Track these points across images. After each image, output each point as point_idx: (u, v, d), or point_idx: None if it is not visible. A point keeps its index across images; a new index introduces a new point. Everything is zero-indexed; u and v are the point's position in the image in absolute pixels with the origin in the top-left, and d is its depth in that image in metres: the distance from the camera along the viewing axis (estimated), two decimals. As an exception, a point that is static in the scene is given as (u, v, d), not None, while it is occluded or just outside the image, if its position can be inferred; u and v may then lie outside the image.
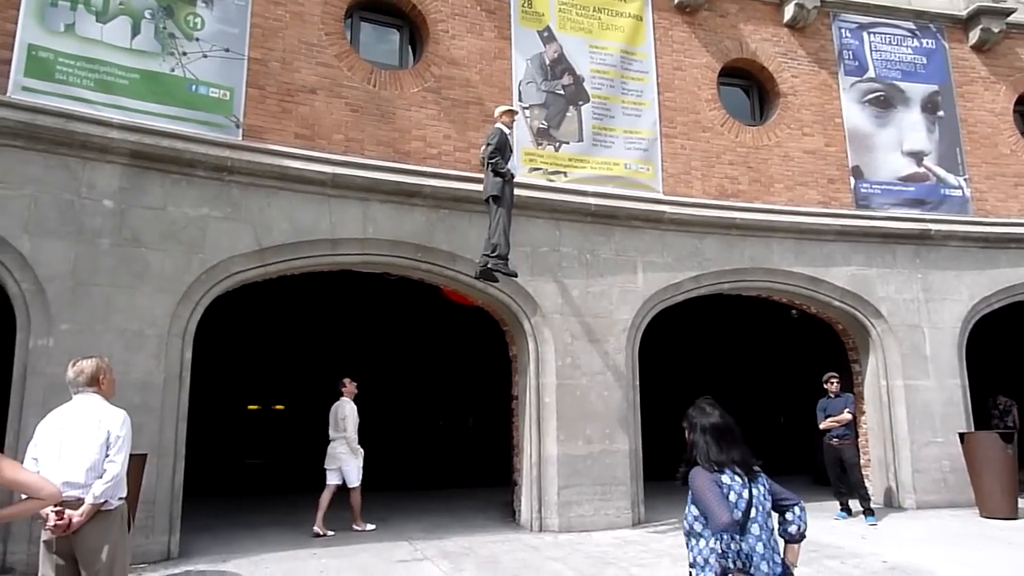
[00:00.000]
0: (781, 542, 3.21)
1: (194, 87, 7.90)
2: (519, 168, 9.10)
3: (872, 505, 9.37)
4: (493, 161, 8.08)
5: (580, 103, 9.74)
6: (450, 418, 14.72)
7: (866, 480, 9.79)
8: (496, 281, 8.46)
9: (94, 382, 4.31)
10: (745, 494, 3.09)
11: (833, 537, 8.25)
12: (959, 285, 10.78)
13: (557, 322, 9.12)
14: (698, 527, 3.11)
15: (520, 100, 9.45)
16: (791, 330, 13.08)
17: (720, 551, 3.00)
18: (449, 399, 14.69)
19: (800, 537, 3.20)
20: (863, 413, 10.69)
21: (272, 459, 15.62)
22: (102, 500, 4.00)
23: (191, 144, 7.72)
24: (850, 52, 11.11)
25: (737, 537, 2.99)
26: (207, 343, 8.77)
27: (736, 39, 10.76)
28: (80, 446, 4.07)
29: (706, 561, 3.03)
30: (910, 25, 11.42)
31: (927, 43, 11.43)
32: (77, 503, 3.94)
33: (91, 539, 3.99)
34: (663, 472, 11.82)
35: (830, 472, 9.60)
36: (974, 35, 11.65)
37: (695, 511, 3.12)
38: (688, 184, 10.08)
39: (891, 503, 10.23)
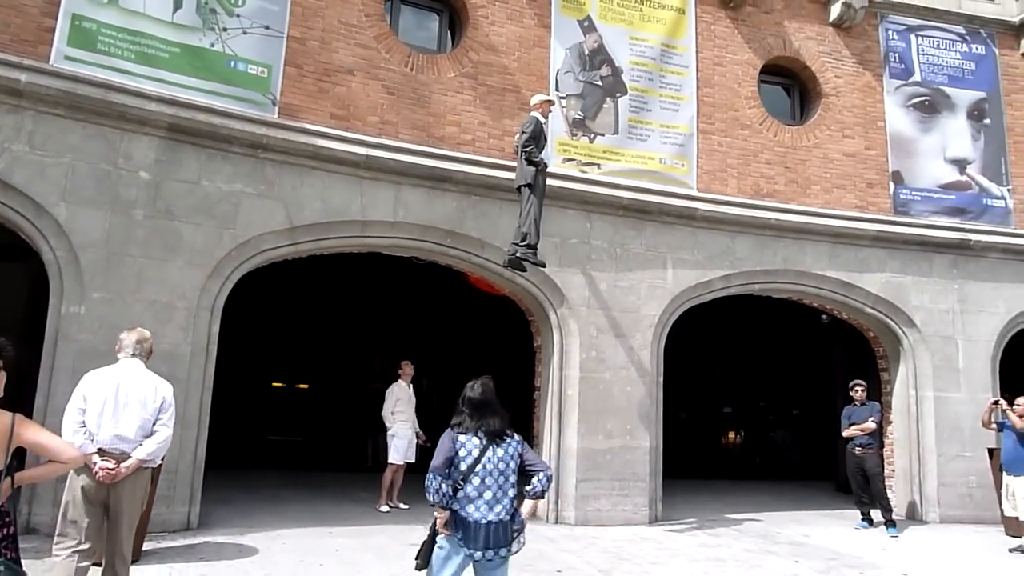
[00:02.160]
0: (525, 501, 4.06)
1: (233, 63, 7.93)
2: (552, 158, 9.05)
3: (895, 517, 9.22)
4: (527, 150, 8.01)
5: (617, 95, 9.63)
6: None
7: (889, 491, 9.64)
8: (524, 271, 8.41)
9: (148, 352, 4.64)
10: (475, 453, 3.93)
11: (853, 547, 8.13)
12: (997, 298, 10.53)
13: (583, 315, 9.06)
14: None
15: (557, 89, 9.38)
16: (821, 335, 12.89)
17: (434, 488, 3.86)
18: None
19: (535, 496, 4.04)
20: (890, 423, 10.51)
21: (295, 436, 15.78)
22: (151, 458, 4.44)
23: (227, 120, 7.75)
24: (896, 55, 10.86)
25: (442, 479, 3.87)
26: (235, 318, 8.82)
27: (780, 36, 10.57)
28: (136, 406, 4.46)
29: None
30: (960, 30, 11.13)
31: (976, 48, 11.14)
32: (123, 456, 4.31)
33: (128, 490, 4.35)
34: (683, 470, 11.79)
35: (852, 481, 9.45)
36: (1026, 42, 11.35)
37: None
38: (723, 182, 9.94)
39: (914, 516, 10.06)
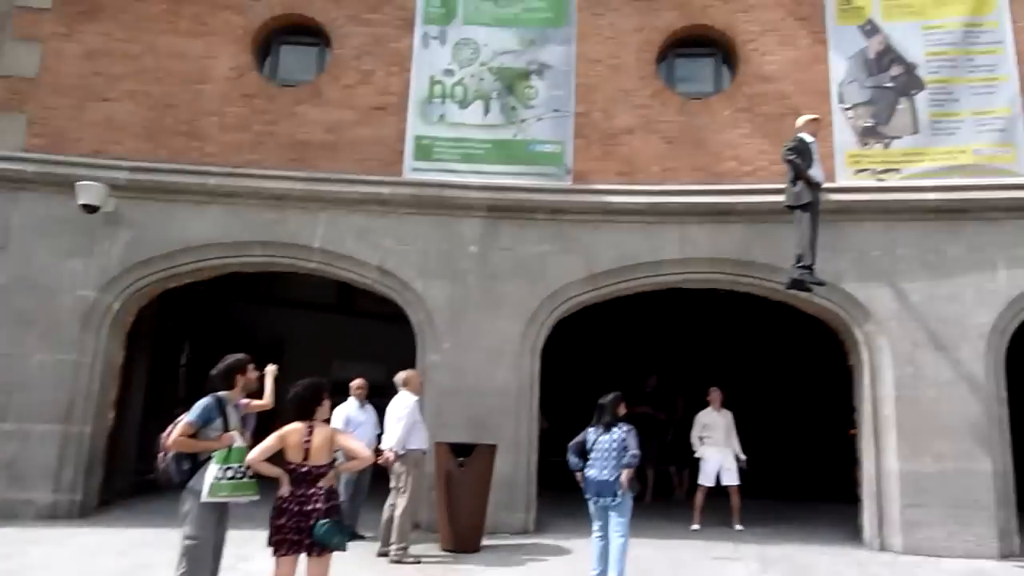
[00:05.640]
0: None
1: (532, 146, 9.58)
2: (841, 172, 8.95)
3: None
4: (791, 160, 8.11)
5: (913, 92, 9.04)
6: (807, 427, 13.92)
7: None
8: (807, 291, 8.39)
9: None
10: (594, 437, 6.55)
11: None
12: None
13: (894, 329, 8.60)
14: None
15: (841, 102, 9.20)
16: None
17: (568, 459, 6.70)
18: (797, 409, 13.94)
19: (623, 467, 6.29)
20: None
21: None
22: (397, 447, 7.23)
23: (532, 194, 9.39)
24: None
25: (572, 453, 6.67)
26: (557, 358, 10.27)
27: None
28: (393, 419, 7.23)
29: None
30: None
31: None
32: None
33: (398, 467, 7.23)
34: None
35: None
36: None
37: None
38: (1067, 161, 8.56)
39: None
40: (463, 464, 7.94)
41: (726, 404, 9.86)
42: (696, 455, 9.73)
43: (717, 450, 9.58)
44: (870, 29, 9.29)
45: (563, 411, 10.47)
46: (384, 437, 7.69)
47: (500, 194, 9.41)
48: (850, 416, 9.44)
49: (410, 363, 9.12)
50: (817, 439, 13.06)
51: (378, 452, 7.56)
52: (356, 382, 8.56)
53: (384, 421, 7.76)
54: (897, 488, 8.31)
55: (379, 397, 8.43)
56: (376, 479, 8.14)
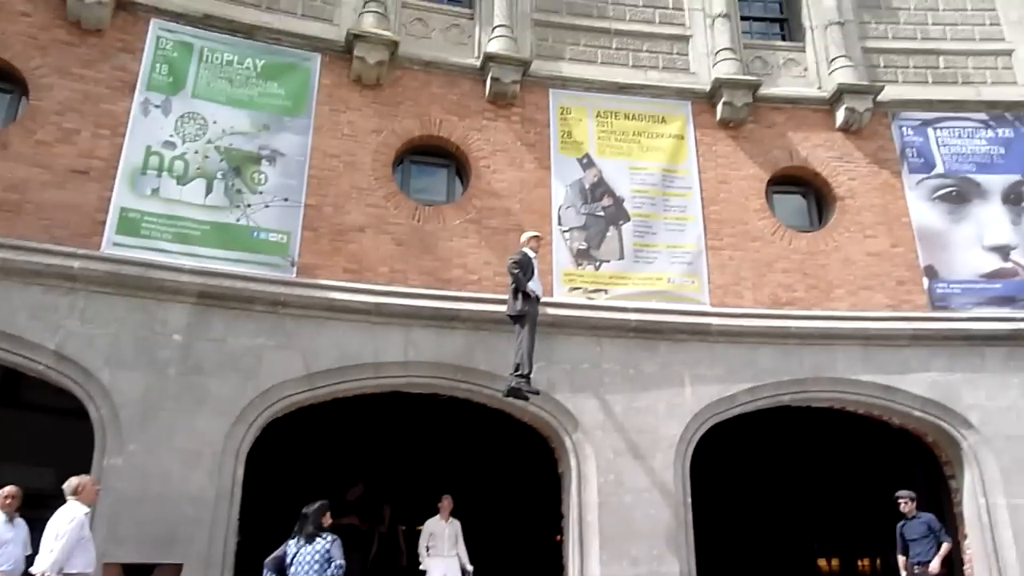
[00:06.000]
0: None
1: (256, 233, 9.03)
2: (557, 288, 9.51)
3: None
4: (515, 273, 8.47)
5: (621, 222, 10.04)
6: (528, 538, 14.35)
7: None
8: (524, 399, 8.63)
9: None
10: (294, 550, 6.20)
11: None
12: (1070, 390, 9.62)
13: (599, 438, 9.09)
14: None
15: (560, 224, 9.91)
16: (887, 443, 11.98)
17: None
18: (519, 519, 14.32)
19: None
20: (965, 536, 9.54)
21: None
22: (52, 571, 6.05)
23: (250, 283, 8.75)
24: (914, 149, 10.71)
25: (268, 570, 6.31)
26: (269, 464, 9.46)
27: (785, 148, 10.74)
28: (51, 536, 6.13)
29: None
30: (982, 116, 10.88)
31: (1003, 132, 10.80)
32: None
33: None
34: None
35: (917, 606, 8.58)
36: (1063, 120, 10.89)
37: None
38: (738, 295, 9.93)
39: (1006, 645, 8.90)
40: (137, 588, 6.77)
41: (454, 512, 9.59)
42: (421, 567, 9.25)
43: (441, 560, 9.15)
44: (586, 162, 10.25)
45: (259, 522, 9.46)
46: (37, 559, 6.34)
47: (214, 280, 8.65)
48: (558, 523, 9.68)
49: (89, 467, 7.81)
50: (529, 547, 13.26)
51: (26, 577, 6.27)
52: (4, 491, 7.06)
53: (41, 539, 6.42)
54: (598, 595, 8.55)
55: (42, 509, 7.01)
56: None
